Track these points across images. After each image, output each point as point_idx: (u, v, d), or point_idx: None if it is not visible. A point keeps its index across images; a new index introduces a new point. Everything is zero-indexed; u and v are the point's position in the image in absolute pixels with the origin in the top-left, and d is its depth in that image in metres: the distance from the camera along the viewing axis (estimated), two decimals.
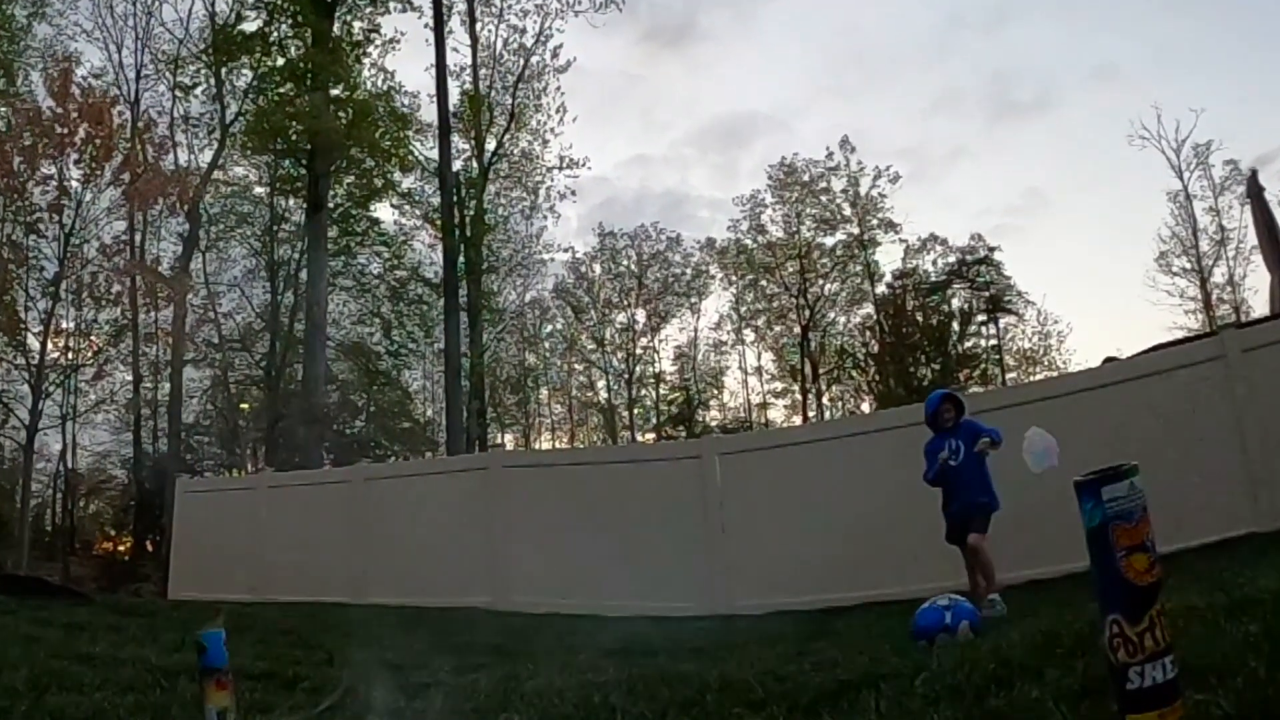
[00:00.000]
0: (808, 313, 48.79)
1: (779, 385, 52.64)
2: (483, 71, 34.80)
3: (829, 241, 49.42)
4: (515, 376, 49.87)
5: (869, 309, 49.49)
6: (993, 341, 48.44)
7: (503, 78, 34.98)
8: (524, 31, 34.57)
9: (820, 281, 49.36)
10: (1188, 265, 42.38)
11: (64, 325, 27.88)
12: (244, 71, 32.55)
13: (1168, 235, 42.88)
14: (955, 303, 48.36)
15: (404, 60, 70.80)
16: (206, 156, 32.96)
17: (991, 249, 47.73)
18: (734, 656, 7.17)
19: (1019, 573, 10.43)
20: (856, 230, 48.70)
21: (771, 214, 50.00)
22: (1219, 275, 42.17)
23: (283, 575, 15.76)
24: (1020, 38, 60.38)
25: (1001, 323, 48.35)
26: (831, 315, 50.03)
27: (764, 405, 53.20)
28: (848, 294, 49.86)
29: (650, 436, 50.61)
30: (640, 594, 12.69)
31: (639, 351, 52.56)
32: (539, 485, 15.04)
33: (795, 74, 69.16)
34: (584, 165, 36.09)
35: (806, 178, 48.96)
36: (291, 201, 35.60)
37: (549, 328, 52.53)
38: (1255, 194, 15.79)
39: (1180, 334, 33.19)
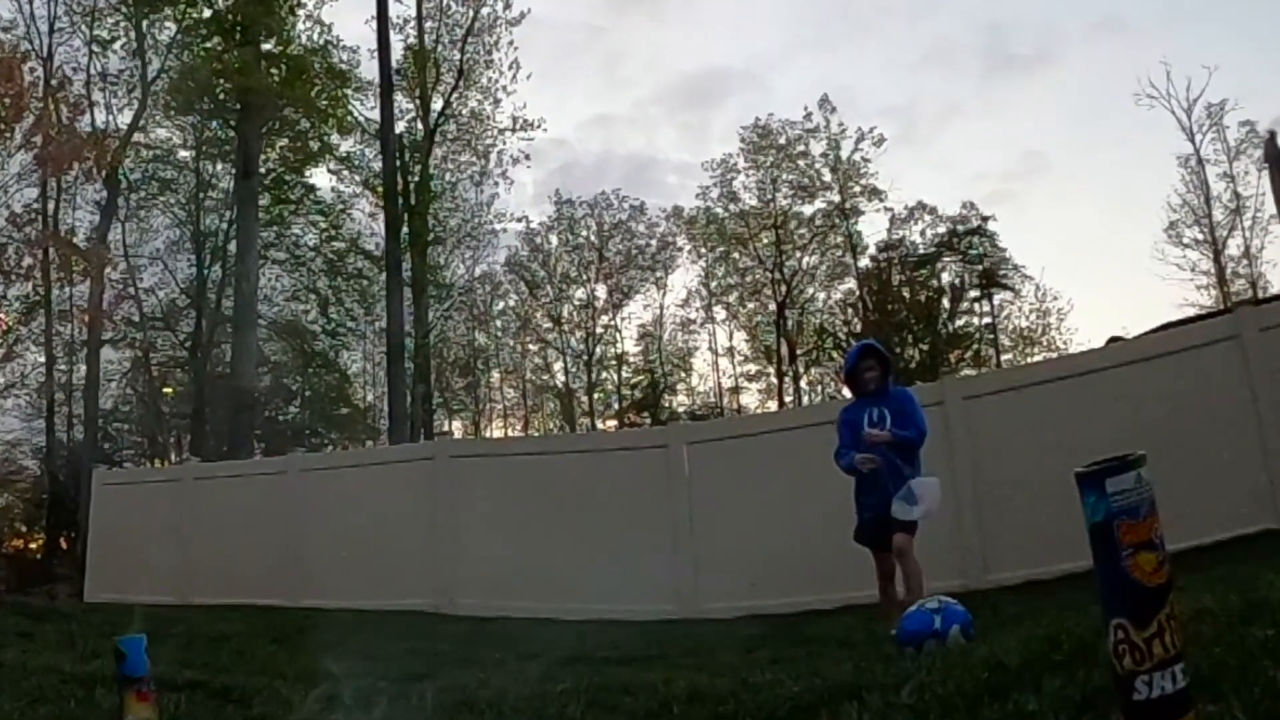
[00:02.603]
0: (784, 288, 48.69)
1: (753, 367, 52.56)
2: (429, 24, 34.86)
3: (807, 210, 49.25)
4: (464, 358, 49.61)
5: (851, 284, 49.39)
6: (986, 320, 48.45)
7: (450, 31, 35.06)
8: None
9: (798, 254, 49.22)
10: (1200, 236, 42.33)
11: None
12: (167, 24, 32.24)
13: (1178, 203, 42.81)
14: (945, 277, 48.38)
15: (342, 12, 70.52)
16: (126, 117, 32.71)
17: (985, 218, 47.69)
18: (703, 663, 7.18)
19: (1015, 573, 10.50)
20: (837, 198, 48.56)
21: (744, 180, 49.75)
22: (1234, 247, 42.09)
23: (210, 576, 15.71)
24: None
25: (996, 299, 48.38)
26: (810, 291, 49.92)
27: (736, 389, 53.16)
28: (828, 268, 49.75)
29: (612, 424, 50.51)
30: (601, 595, 12.70)
31: (599, 330, 52.31)
32: (490, 477, 15.02)
33: (772, 26, 68.67)
34: (539, 127, 36.52)
35: (783, 140, 48.76)
36: (219, 166, 35.42)
37: (501, 304, 52.26)
38: (1274, 158, 15.91)
39: (1192, 311, 33.26)
